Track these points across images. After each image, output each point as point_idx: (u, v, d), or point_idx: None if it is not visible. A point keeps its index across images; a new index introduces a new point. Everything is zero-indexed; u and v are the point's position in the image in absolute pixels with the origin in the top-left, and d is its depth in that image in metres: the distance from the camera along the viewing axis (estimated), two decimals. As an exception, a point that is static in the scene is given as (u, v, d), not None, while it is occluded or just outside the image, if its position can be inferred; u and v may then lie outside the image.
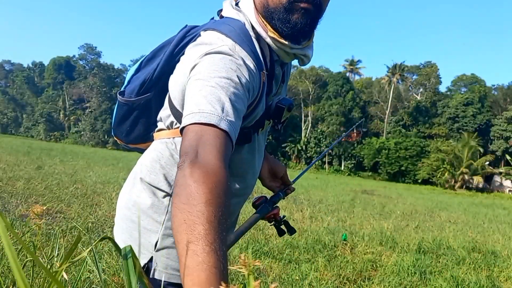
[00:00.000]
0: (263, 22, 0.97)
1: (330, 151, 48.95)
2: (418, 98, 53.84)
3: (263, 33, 0.97)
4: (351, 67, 61.14)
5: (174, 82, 0.97)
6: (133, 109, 1.11)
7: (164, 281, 1.00)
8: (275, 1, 0.92)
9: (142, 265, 0.96)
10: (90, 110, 60.72)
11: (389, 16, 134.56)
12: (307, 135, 51.27)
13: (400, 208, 11.98)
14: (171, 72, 1.00)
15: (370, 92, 56.05)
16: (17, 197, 5.58)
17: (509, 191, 40.45)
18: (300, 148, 50.42)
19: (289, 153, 51.73)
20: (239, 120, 0.81)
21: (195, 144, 0.70)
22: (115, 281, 2.76)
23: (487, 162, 40.40)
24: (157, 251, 1.00)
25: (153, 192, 1.03)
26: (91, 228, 4.36)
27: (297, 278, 3.69)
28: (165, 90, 1.04)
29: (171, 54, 1.03)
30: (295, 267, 4.06)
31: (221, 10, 1.06)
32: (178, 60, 1.00)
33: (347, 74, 58.65)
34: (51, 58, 68.03)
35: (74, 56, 70.48)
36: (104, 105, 58.12)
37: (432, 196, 22.69)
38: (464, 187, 39.05)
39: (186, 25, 1.08)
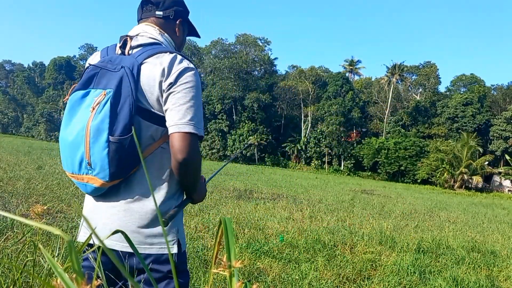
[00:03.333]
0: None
1: (328, 150, 48.93)
2: (418, 98, 53.83)
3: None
4: (351, 67, 61.11)
5: (153, 100, 1.29)
6: (128, 144, 1.24)
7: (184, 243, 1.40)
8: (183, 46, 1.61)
9: (177, 251, 1.35)
10: (90, 110, 60.60)
11: (389, 16, 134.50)
12: (306, 135, 51.22)
13: (399, 208, 12.00)
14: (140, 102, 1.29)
15: (370, 92, 55.97)
16: (17, 197, 5.59)
17: (509, 191, 40.45)
18: (300, 148, 50.38)
19: (288, 153, 51.71)
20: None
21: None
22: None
23: (487, 162, 40.34)
24: (178, 232, 1.37)
25: (166, 192, 1.35)
26: (91, 228, 4.36)
27: (297, 277, 3.70)
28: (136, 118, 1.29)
29: (136, 89, 1.27)
30: (294, 266, 4.07)
31: (123, 46, 1.34)
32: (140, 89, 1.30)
33: (347, 74, 58.57)
34: (51, 58, 67.72)
35: (74, 56, 70.40)
36: (104, 105, 58.00)
37: (431, 196, 22.69)
38: (463, 187, 39.00)
39: (122, 66, 1.28)
